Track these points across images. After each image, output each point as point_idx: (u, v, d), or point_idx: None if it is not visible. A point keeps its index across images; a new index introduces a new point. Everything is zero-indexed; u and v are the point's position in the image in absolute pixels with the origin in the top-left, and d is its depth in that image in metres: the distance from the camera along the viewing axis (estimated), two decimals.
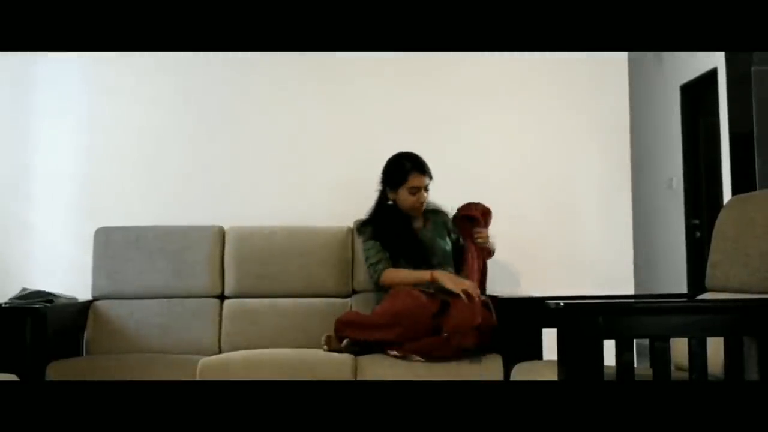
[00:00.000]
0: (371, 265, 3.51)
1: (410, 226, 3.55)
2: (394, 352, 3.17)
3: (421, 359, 3.13)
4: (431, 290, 3.25)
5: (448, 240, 3.57)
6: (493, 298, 3.37)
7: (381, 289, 3.47)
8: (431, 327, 3.15)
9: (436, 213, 3.63)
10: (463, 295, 3.17)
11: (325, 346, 3.30)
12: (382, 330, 3.18)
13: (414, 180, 3.49)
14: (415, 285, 3.32)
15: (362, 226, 3.61)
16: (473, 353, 3.14)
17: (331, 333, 3.35)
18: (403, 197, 3.52)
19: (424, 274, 3.34)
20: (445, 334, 3.10)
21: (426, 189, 3.51)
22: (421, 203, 3.51)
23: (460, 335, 3.09)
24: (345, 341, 3.28)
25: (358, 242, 3.67)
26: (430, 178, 3.52)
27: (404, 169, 3.50)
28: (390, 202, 3.58)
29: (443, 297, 3.22)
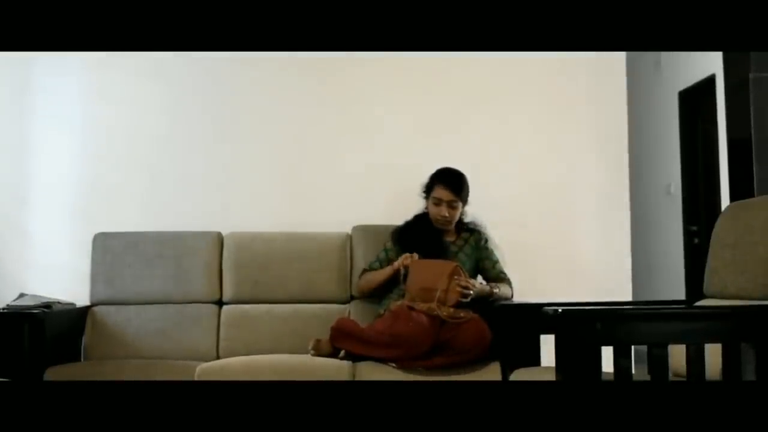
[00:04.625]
0: (363, 269, 3.65)
1: (439, 235, 3.57)
2: (393, 364, 3.17)
3: (421, 368, 3.14)
4: (435, 312, 3.22)
5: (473, 260, 3.58)
6: (490, 304, 3.37)
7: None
8: (431, 349, 3.16)
9: (472, 232, 3.64)
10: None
11: (312, 351, 3.30)
12: (381, 349, 3.18)
13: (437, 191, 3.54)
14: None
15: (395, 229, 3.66)
16: (472, 360, 3.18)
17: (321, 337, 3.34)
18: (429, 206, 3.58)
19: (387, 270, 3.49)
20: (454, 353, 3.14)
21: (451, 205, 3.52)
22: (443, 218, 3.53)
23: (467, 354, 3.15)
24: (342, 353, 3.28)
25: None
26: (458, 197, 3.53)
27: (434, 179, 3.58)
28: (426, 210, 3.63)
29: (444, 317, 3.22)
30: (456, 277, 3.30)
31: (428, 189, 3.59)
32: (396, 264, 3.46)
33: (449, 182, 3.53)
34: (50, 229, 4.03)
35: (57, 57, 4.03)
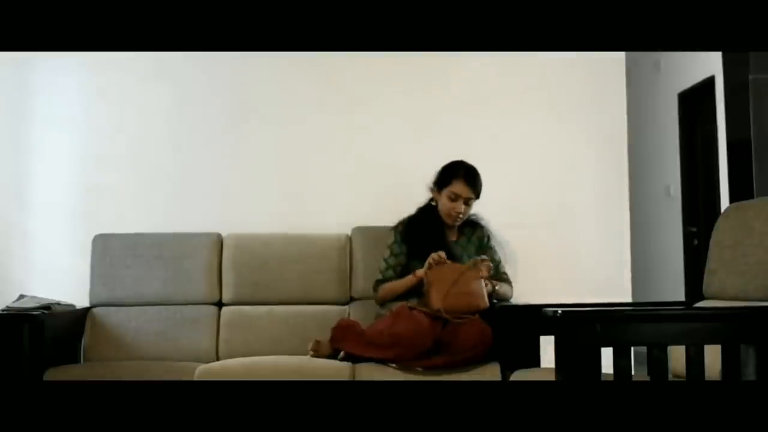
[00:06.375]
0: (376, 280, 3.53)
1: (443, 232, 3.51)
2: (393, 364, 3.16)
3: (421, 369, 3.13)
4: (437, 312, 3.22)
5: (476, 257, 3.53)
6: (491, 304, 3.37)
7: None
8: (431, 348, 3.15)
9: (475, 228, 3.61)
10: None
11: (312, 352, 3.29)
12: (381, 349, 3.16)
13: (457, 186, 3.45)
14: (409, 291, 3.39)
15: (397, 224, 3.59)
16: (472, 360, 3.17)
17: (321, 338, 3.34)
18: (443, 200, 3.49)
19: (410, 280, 3.39)
20: (455, 353, 3.13)
21: (467, 203, 3.47)
22: (458, 213, 3.46)
23: (468, 353, 3.13)
24: (341, 354, 3.27)
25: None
26: (476, 195, 3.49)
27: (452, 173, 3.49)
28: (433, 203, 3.56)
29: (446, 317, 3.22)
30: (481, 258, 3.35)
31: (443, 183, 3.49)
32: (419, 273, 3.36)
33: (469, 178, 3.46)
34: (50, 231, 4.02)
35: (57, 57, 4.03)
